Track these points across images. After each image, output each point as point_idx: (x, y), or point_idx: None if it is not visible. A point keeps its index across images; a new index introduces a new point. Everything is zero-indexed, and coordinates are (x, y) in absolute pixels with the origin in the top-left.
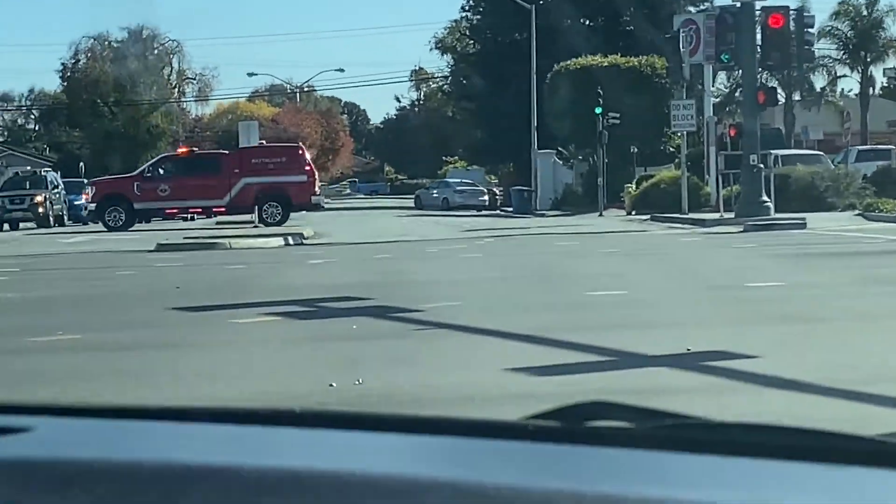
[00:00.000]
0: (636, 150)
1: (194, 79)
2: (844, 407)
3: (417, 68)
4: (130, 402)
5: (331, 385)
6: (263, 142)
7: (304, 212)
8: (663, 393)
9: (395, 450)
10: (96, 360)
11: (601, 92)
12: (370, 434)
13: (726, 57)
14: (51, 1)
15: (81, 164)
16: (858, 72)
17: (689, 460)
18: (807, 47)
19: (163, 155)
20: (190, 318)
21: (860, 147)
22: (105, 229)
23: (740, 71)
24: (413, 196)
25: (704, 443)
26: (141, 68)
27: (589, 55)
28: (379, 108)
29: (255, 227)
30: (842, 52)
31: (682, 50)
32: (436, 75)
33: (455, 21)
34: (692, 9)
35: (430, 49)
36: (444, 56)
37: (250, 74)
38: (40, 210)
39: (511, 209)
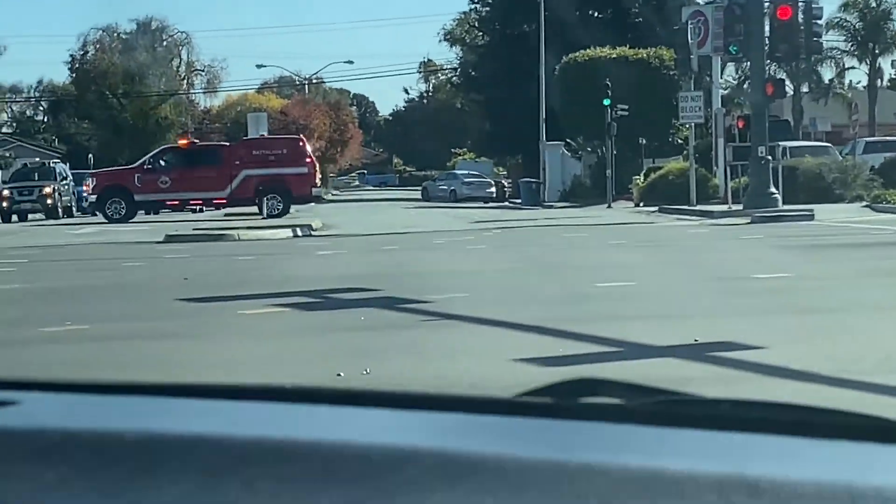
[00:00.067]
0: (644, 141)
1: (203, 70)
2: (851, 396)
3: (426, 60)
4: (123, 380)
5: (339, 375)
6: (264, 134)
7: (311, 204)
8: (671, 383)
9: (380, 423)
10: (104, 349)
11: (609, 84)
12: (357, 409)
13: (734, 48)
14: None
15: (90, 155)
16: (866, 63)
17: (676, 434)
18: (815, 39)
19: (163, 147)
20: (198, 308)
21: (868, 139)
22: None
23: (748, 62)
24: (420, 188)
25: (693, 417)
26: (150, 60)
27: (597, 47)
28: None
29: (264, 218)
30: (850, 44)
31: (690, 42)
32: (444, 67)
33: (464, 13)
34: (700, 0)
35: (439, 41)
36: (453, 48)
37: (259, 66)
38: (49, 201)
39: (519, 201)
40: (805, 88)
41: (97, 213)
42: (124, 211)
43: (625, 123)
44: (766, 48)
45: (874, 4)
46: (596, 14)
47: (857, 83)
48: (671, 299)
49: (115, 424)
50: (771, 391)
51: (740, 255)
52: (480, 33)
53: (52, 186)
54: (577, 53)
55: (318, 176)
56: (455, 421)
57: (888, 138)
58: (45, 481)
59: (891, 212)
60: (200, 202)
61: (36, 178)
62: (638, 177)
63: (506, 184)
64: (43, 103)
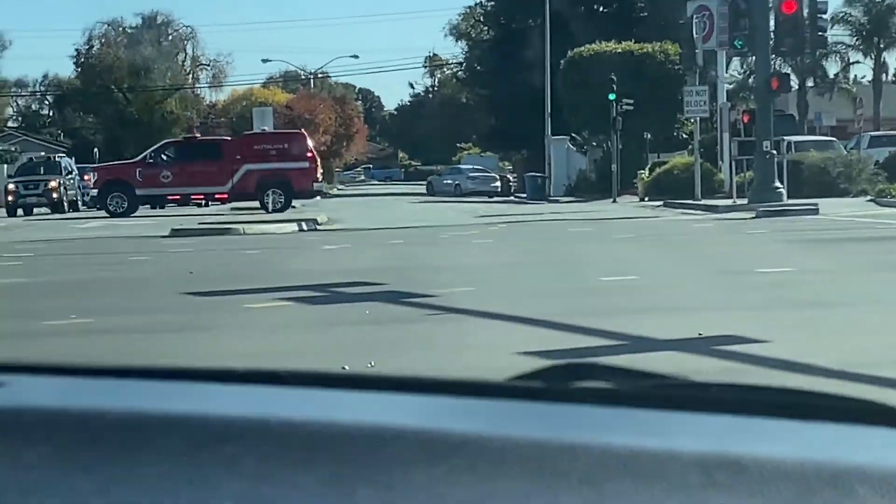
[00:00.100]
0: (649, 136)
1: (208, 65)
2: (854, 389)
3: (432, 55)
4: (110, 363)
5: (343, 368)
6: (265, 128)
7: (317, 198)
8: None
9: (367, 405)
10: (107, 342)
11: (615, 78)
12: (346, 391)
13: (739, 43)
14: None
15: (95, 149)
16: (871, 58)
17: (663, 416)
18: (820, 33)
19: (165, 141)
20: (203, 302)
21: (872, 133)
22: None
23: (753, 57)
24: (425, 182)
25: (681, 400)
26: (155, 54)
27: (602, 41)
28: (393, 95)
29: (269, 213)
30: (855, 39)
31: (695, 36)
32: (450, 62)
33: (469, 7)
34: None
35: (445, 35)
36: (459, 42)
37: (264, 61)
38: (54, 195)
39: (525, 195)
40: (810, 83)
41: (99, 207)
42: (126, 205)
43: (630, 118)
44: (771, 43)
45: None
46: (601, 9)
47: (863, 78)
48: (676, 293)
49: (98, 404)
50: (774, 384)
51: (745, 250)
52: (486, 28)
53: (58, 181)
54: (583, 48)
55: (320, 171)
56: (443, 403)
57: (893, 133)
58: (24, 460)
59: (895, 206)
60: (202, 196)
61: (41, 172)
62: (643, 171)
63: (511, 178)
64: (48, 97)
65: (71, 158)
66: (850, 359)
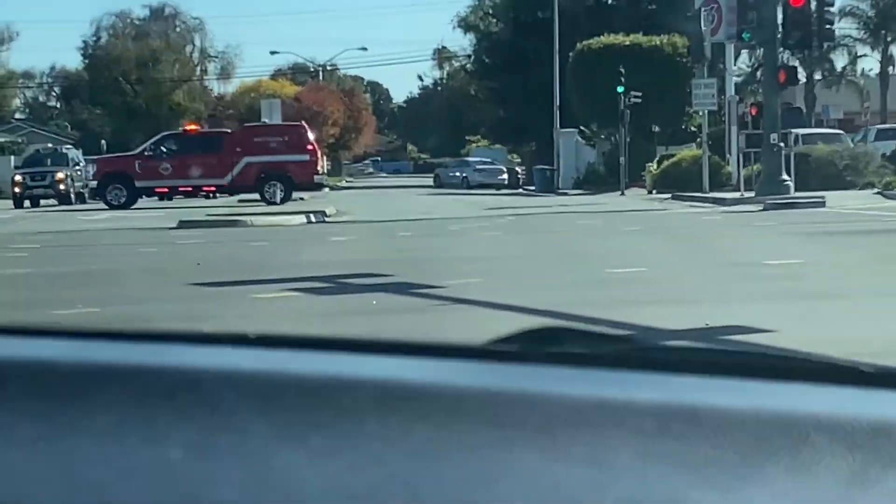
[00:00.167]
0: (658, 129)
1: (217, 57)
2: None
3: (440, 47)
4: (82, 325)
5: None
6: (266, 121)
7: (326, 190)
8: None
9: (331, 364)
10: None
11: (623, 71)
12: (316, 352)
13: (748, 36)
14: None
15: (103, 141)
16: (879, 51)
17: (629, 376)
18: (827, 27)
19: (164, 133)
20: (210, 293)
21: (879, 126)
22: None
23: (761, 50)
24: (432, 175)
25: (652, 362)
26: (163, 46)
27: (611, 34)
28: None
29: (277, 205)
30: (862, 32)
31: (703, 29)
32: (458, 54)
33: (478, 0)
34: None
35: (453, 28)
36: (467, 35)
37: (273, 53)
38: (61, 187)
39: (533, 188)
40: (818, 76)
41: (98, 199)
42: (125, 198)
43: (638, 111)
44: (779, 36)
45: None
46: (610, 1)
47: (870, 71)
48: (683, 285)
49: (51, 357)
50: None
51: (752, 242)
52: (494, 20)
53: (65, 172)
54: (591, 41)
55: (321, 163)
56: (410, 364)
57: None
58: None
59: None
60: (202, 188)
61: (49, 163)
62: (651, 164)
63: (520, 171)
64: (56, 89)
65: (78, 150)
66: (855, 349)
